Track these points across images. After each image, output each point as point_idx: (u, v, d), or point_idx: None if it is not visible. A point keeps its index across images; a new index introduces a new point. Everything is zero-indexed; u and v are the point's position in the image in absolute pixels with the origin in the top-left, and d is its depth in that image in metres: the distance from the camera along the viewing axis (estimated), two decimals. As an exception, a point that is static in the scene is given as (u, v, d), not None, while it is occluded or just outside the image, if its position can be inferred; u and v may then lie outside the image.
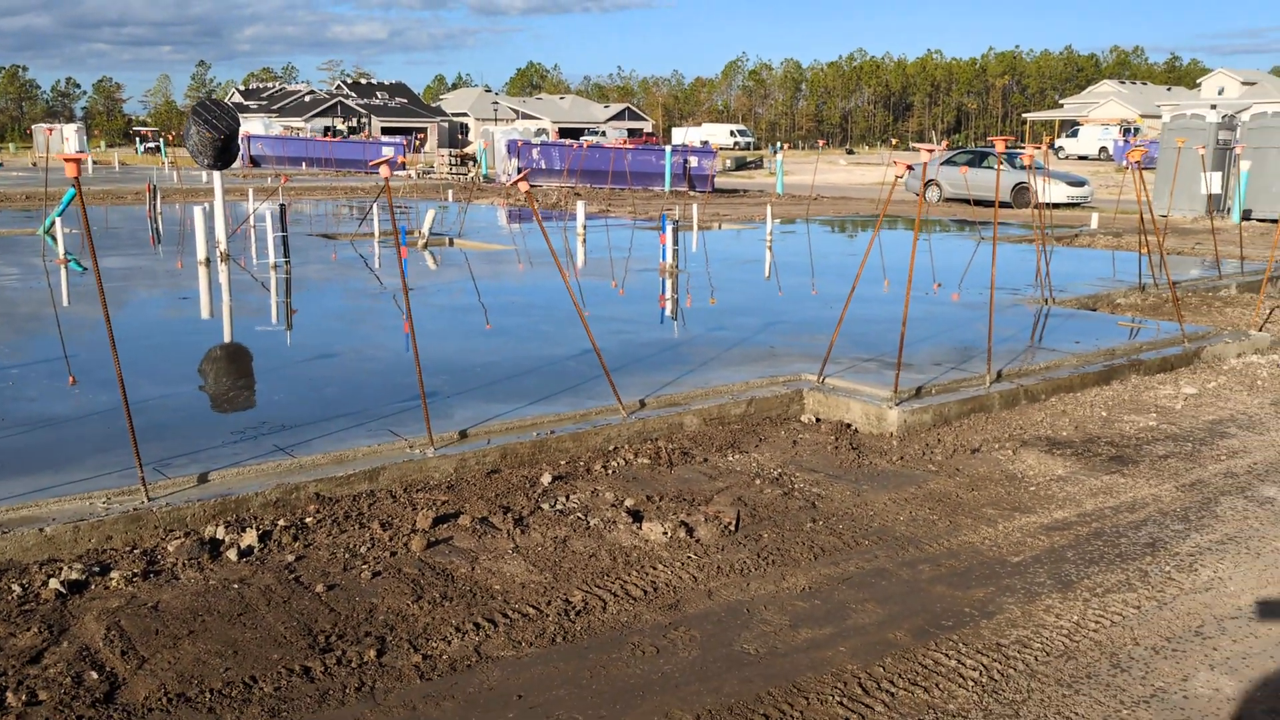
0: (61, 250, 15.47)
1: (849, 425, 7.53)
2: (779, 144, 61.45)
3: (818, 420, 7.68)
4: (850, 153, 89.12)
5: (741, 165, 61.04)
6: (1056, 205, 28.47)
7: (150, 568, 4.75)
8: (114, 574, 4.63)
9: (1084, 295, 12.73)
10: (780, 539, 5.41)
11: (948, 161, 31.35)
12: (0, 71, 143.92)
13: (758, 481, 6.28)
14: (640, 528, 5.44)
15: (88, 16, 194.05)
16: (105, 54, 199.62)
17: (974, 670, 4.11)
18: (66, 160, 5.01)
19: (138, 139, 78.94)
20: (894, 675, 4.06)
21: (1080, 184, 31.00)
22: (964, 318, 11.10)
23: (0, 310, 11.01)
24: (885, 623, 4.50)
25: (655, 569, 5.00)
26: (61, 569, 4.64)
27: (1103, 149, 68.85)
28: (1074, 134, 73.94)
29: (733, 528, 5.53)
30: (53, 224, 17.12)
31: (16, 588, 4.50)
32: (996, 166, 8.75)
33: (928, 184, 31.26)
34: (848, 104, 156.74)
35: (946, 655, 4.22)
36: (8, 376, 7.92)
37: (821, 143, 52.75)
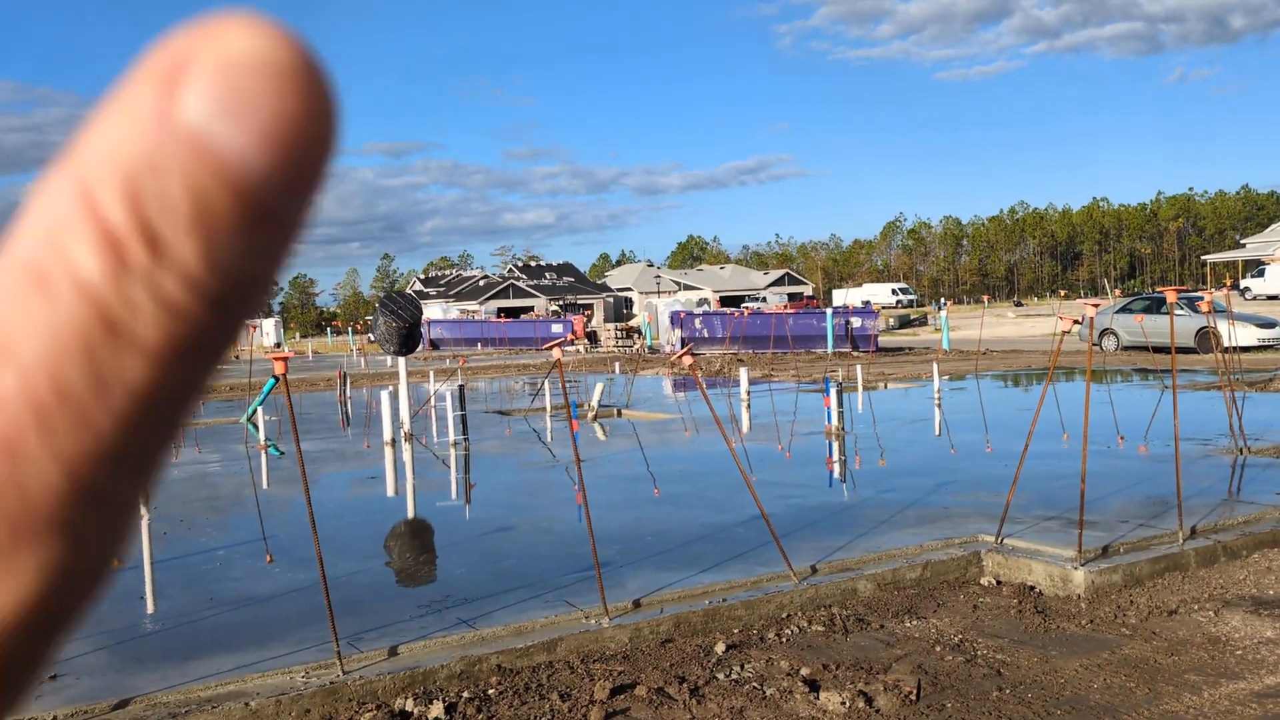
0: (262, 436, 16.64)
1: (1032, 588, 7.25)
2: (942, 300, 60.96)
3: (998, 583, 7.42)
4: (1018, 305, 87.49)
5: (905, 323, 60.67)
6: (1246, 349, 27.08)
7: (344, 739, 4.97)
8: (312, 745, 4.86)
9: (1283, 442, 11.99)
10: (965, 709, 5.22)
11: (1123, 309, 30.43)
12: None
13: (938, 648, 6.10)
14: (818, 697, 5.35)
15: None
16: (301, 253, 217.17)
17: None
18: (275, 359, 5.54)
19: (329, 329, 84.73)
20: None
21: (1271, 325, 29.48)
22: (1150, 471, 10.61)
23: (205, 494, 11.88)
24: (1084, 799, 4.26)
25: (835, 741, 4.89)
26: (265, 740, 4.91)
27: (1292, 286, 65.36)
28: (1260, 274, 70.59)
29: (914, 697, 5.37)
30: (254, 412, 18.48)
31: (224, 759, 4.77)
32: (1170, 313, 8.54)
33: (1104, 333, 30.32)
34: (1012, 256, 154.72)
35: (1154, 835, 3.95)
36: (215, 558, 8.51)
37: (986, 297, 52.26)
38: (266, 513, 10.22)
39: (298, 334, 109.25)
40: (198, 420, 21.12)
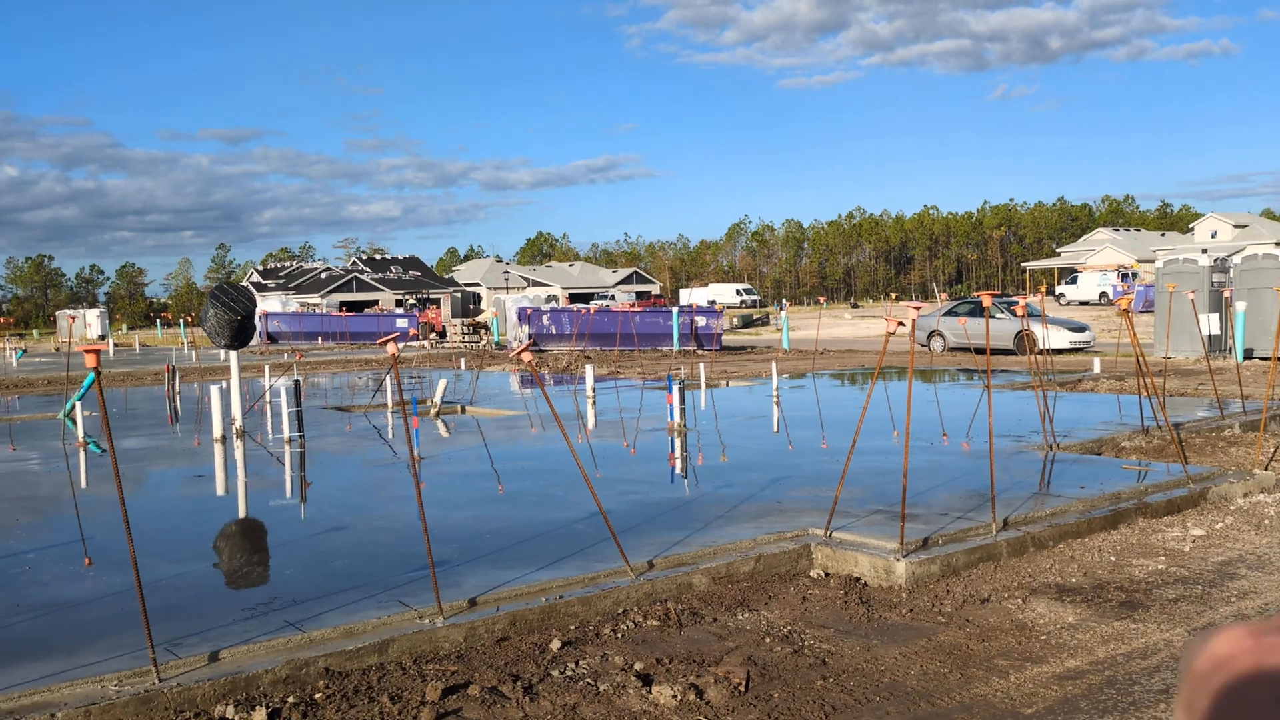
0: (81, 433, 15.77)
1: (858, 579, 7.54)
2: (783, 301, 62.57)
3: (826, 575, 7.69)
4: (855, 306, 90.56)
5: (748, 323, 62.01)
6: (1059, 351, 28.79)
7: (160, 749, 4.76)
8: (124, 757, 4.65)
9: (1088, 440, 12.81)
10: (791, 698, 5.39)
11: (949, 312, 31.90)
12: (26, 261, 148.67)
13: (768, 640, 6.27)
14: (650, 691, 5.43)
15: (112, 207, 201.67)
16: (129, 240, 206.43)
17: (988, 827, 4.05)
18: (86, 351, 5.26)
19: (158, 321, 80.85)
20: (907, 835, 4.00)
21: (1081, 329, 31.41)
22: (969, 466, 11.17)
23: (20, 493, 11.19)
24: (897, 781, 4.45)
25: (665, 733, 4.97)
26: (72, 754, 4.66)
27: (1103, 294, 70.00)
28: (1073, 281, 75.32)
29: (743, 688, 5.51)
30: (73, 408, 17.48)
31: (27, 775, 4.51)
32: (985, 317, 9.01)
33: (932, 334, 31.71)
34: (849, 260, 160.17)
35: (960, 812, 4.17)
36: (24, 561, 8.03)
37: (823, 299, 53.81)
38: (86, 513, 9.69)
39: (125, 326, 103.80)
40: (12, 416, 19.86)
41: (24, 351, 46.17)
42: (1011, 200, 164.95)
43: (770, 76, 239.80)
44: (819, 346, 33.96)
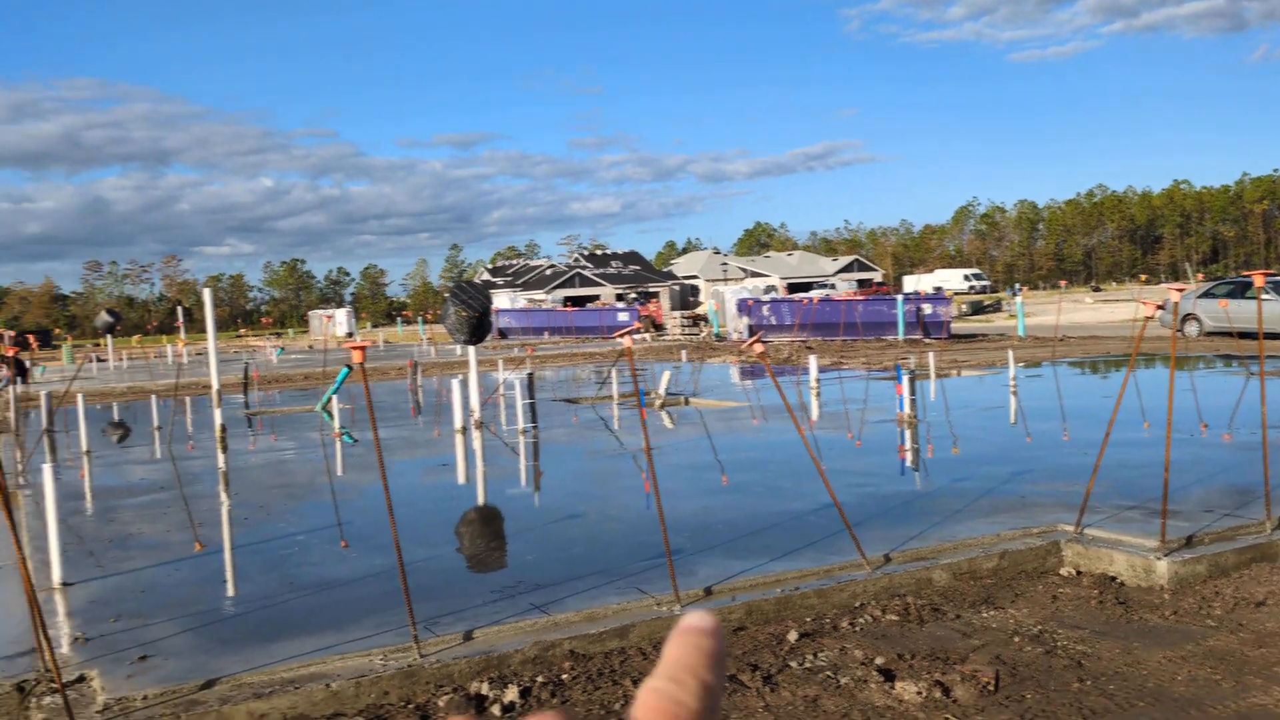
0: (336, 425, 16.94)
1: (1113, 578, 7.09)
2: (1017, 285, 59.85)
3: (1078, 573, 7.28)
4: (1096, 290, 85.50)
5: (978, 309, 59.71)
6: (1339, 333, 26.14)
7: (422, 722, 5.04)
8: (390, 727, 4.95)
9: (1377, 430, 11.56)
10: (1045, 700, 5.13)
11: (1206, 294, 29.57)
12: (281, 265, 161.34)
13: (1016, 639, 6.00)
14: (893, 687, 5.30)
15: (356, 212, 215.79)
16: (371, 244, 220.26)
17: None
18: (353, 347, 5.63)
19: (398, 319, 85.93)
20: None
21: (1362, 308, 28.40)
22: (1236, 460, 10.31)
23: (283, 480, 12.13)
24: (1170, 794, 4.15)
25: (911, 731, 4.84)
26: (345, 722, 5.00)
27: (1386, 269, 63.03)
28: (1351, 255, 68.15)
29: (992, 687, 5.29)
30: (329, 400, 18.81)
31: (306, 739, 4.87)
32: (1257, 297, 8.26)
33: (1186, 318, 29.50)
34: (1090, 241, 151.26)
35: (1244, 833, 3.84)
36: (294, 543, 8.69)
37: (1063, 282, 50.97)
38: (341, 499, 10.42)
39: (369, 324, 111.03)
40: (273, 409, 21.57)
41: (283, 349, 50.13)
42: (1276, 171, 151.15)
43: (1000, 51, 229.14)
44: (1058, 333, 32.25)
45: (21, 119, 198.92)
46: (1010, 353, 19.51)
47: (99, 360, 44.76)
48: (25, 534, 9.40)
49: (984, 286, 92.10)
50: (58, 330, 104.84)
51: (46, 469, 7.81)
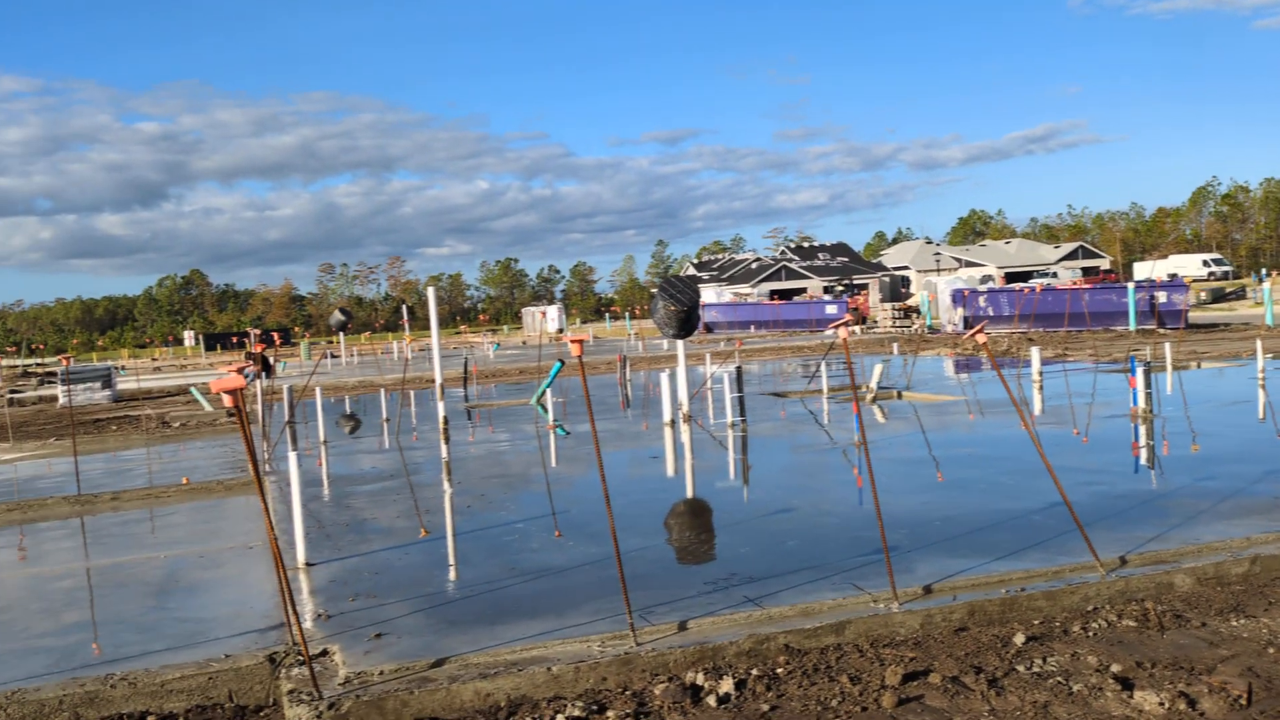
0: (550, 418, 17.45)
1: (1387, 589, 6.41)
2: (1264, 270, 55.27)
3: (1344, 582, 6.62)
4: (1355, 273, 77.87)
5: (1219, 297, 55.51)
6: None
7: (640, 709, 5.10)
8: (610, 713, 5.03)
9: None
10: (1308, 720, 4.68)
11: None
12: (496, 264, 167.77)
13: (1271, 650, 5.51)
14: (1131, 696, 4.97)
15: (566, 211, 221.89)
16: (580, 241, 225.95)
17: None
18: (572, 341, 5.76)
19: (606, 315, 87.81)
20: None
21: None
22: None
23: (500, 471, 12.58)
24: None
25: (1154, 745, 4.52)
26: (565, 705, 5.12)
27: None
28: None
29: (1244, 702, 4.87)
30: (543, 394, 19.40)
31: (529, 720, 5.02)
32: None
33: None
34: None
35: None
36: (514, 530, 9.00)
37: (1317, 265, 46.76)
38: (555, 490, 10.72)
39: (578, 319, 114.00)
40: (490, 402, 22.43)
41: (499, 345, 52.13)
42: None
43: (1244, 18, 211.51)
44: (1310, 321, 29.53)
45: (263, 133, 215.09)
46: (1258, 343, 18.00)
47: (333, 356, 47.91)
48: (272, 517, 10.14)
49: (1225, 273, 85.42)
50: (296, 329, 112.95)
51: (291, 457, 8.39)
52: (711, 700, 5.13)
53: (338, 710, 5.07)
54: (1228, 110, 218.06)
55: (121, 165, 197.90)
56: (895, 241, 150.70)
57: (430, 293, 16.14)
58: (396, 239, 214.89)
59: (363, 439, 17.32)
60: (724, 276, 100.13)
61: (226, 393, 4.90)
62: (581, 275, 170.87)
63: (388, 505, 10.59)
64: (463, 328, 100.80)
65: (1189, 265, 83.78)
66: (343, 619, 6.50)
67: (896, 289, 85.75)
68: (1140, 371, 13.51)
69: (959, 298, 38.25)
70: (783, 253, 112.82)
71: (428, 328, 15.54)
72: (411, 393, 26.41)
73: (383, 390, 22.38)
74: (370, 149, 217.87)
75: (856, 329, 44.94)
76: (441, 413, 14.70)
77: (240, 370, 5.19)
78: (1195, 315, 39.80)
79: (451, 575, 7.59)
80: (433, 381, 15.66)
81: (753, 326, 52.08)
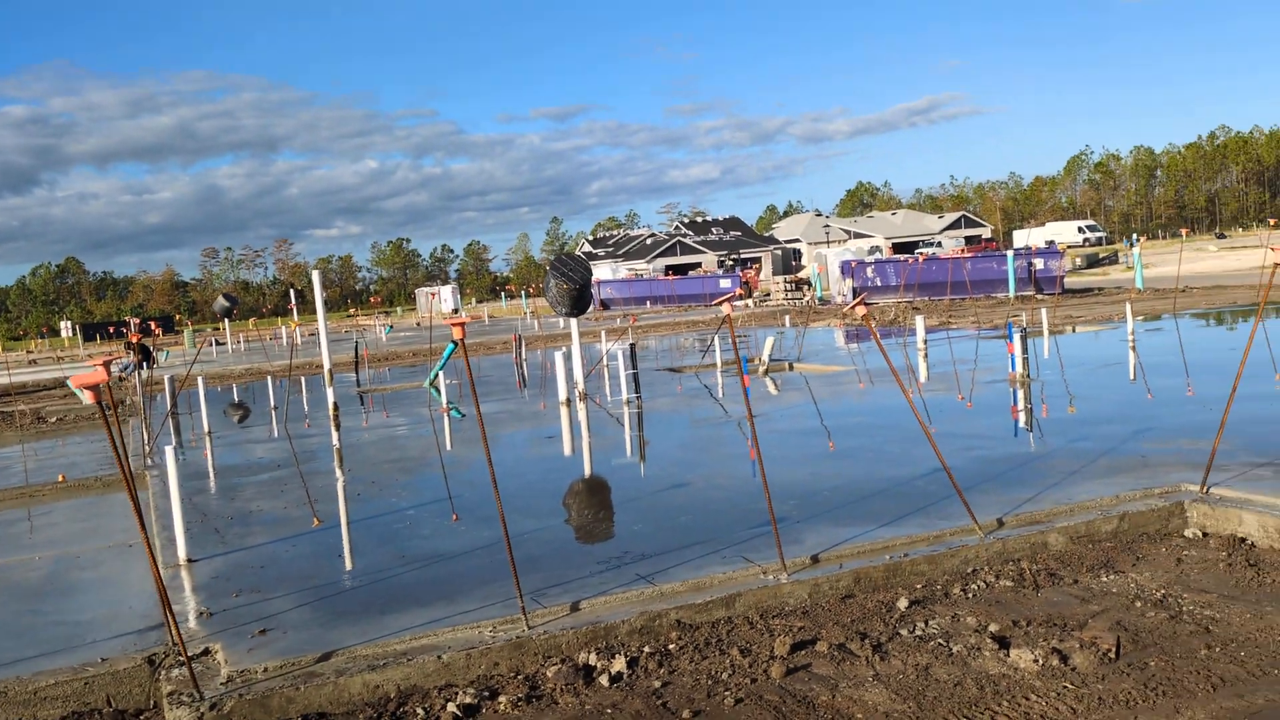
0: (444, 400, 17.25)
1: (1243, 540, 6.77)
2: (1135, 236, 57.60)
3: (1204, 535, 6.97)
4: (1221, 237, 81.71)
5: (1093, 263, 57.69)
6: None
7: (532, 692, 5.09)
8: (501, 698, 5.01)
9: None
10: (1170, 667, 4.92)
11: (1338, 236, 27.96)
12: (388, 245, 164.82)
13: (1138, 604, 5.77)
14: (1008, 655, 5.15)
15: (458, 189, 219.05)
16: (473, 220, 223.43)
17: None
18: (453, 323, 5.68)
19: (502, 294, 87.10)
20: (1326, 829, 3.53)
21: None
22: (1377, 411, 9.73)
23: (394, 455, 12.40)
24: (1309, 767, 3.94)
25: (1028, 699, 4.69)
26: (457, 693, 5.09)
27: None
28: None
29: (1113, 655, 5.10)
30: (436, 376, 19.16)
31: (420, 710, 4.97)
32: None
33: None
34: (1213, 185, 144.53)
35: (1393, 808, 3.62)
36: (405, 517, 8.88)
37: (1185, 231, 48.75)
38: (450, 473, 10.60)
39: (473, 299, 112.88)
40: (383, 386, 22.07)
41: (391, 328, 51.29)
42: None
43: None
44: (1180, 284, 30.93)
45: (139, 114, 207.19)
46: (1128, 306, 18.78)
47: (218, 344, 46.49)
48: (153, 513, 9.81)
49: (1099, 238, 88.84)
50: (179, 316, 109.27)
51: (169, 450, 8.11)
52: (604, 680, 5.15)
53: (220, 710, 4.94)
54: (1099, 81, 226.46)
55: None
56: (786, 215, 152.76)
57: (316, 275, 15.77)
58: (283, 221, 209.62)
59: (251, 428, 16.87)
60: (619, 253, 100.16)
61: (87, 388, 4.70)
62: (476, 254, 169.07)
63: (277, 496, 10.34)
64: (354, 310, 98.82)
65: (1065, 232, 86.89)
66: (226, 616, 6.33)
67: (788, 262, 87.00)
68: (1018, 337, 13.96)
69: (848, 269, 38.99)
70: (676, 228, 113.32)
71: (316, 311, 15.19)
72: (302, 379, 25.81)
73: (271, 377, 21.84)
74: (252, 129, 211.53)
75: (749, 303, 45.44)
76: (331, 398, 14.42)
77: (106, 363, 4.98)
78: (1071, 280, 41.31)
79: (341, 566, 7.45)
80: (322, 367, 15.33)
81: (648, 302, 52.26)
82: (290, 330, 45.41)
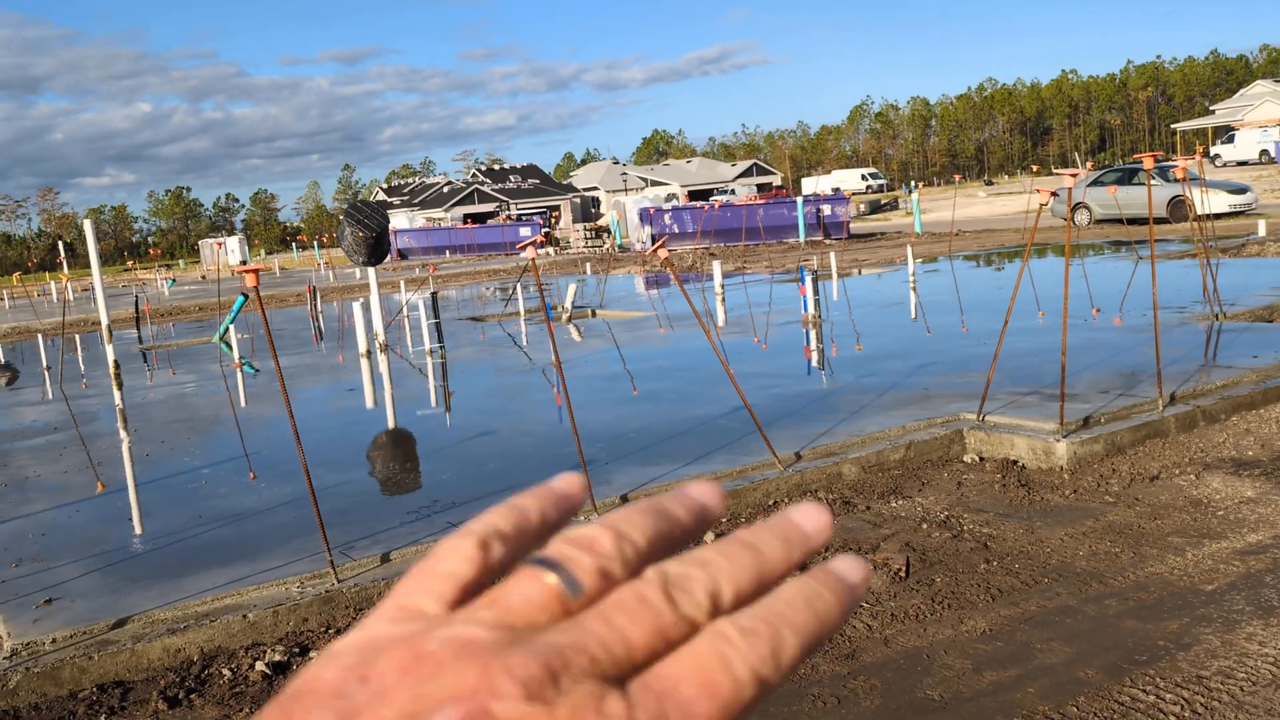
0: (236, 355, 16.50)
1: (1015, 462, 7.34)
2: (913, 183, 60.77)
3: (981, 459, 7.51)
4: (989, 184, 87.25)
5: (876, 208, 60.51)
6: (1219, 216, 27.17)
7: (344, 646, 5.00)
8: (313, 654, 4.90)
9: (1258, 307, 12.11)
10: (954, 582, 5.31)
11: (1095, 182, 30.36)
12: (166, 194, 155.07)
13: (924, 526, 6.19)
14: (809, 579, 5.43)
15: (241, 135, 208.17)
16: (259, 168, 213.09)
17: (1175, 705, 3.93)
18: (245, 272, 5.42)
19: (293, 244, 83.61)
20: (1088, 714, 3.92)
21: (1242, 191, 29.55)
22: (1128, 342, 10.70)
23: (184, 415, 11.80)
24: (1074, 661, 4.36)
25: (829, 620, 4.97)
26: (265, 652, 4.93)
27: (1264, 152, 65.28)
28: (1230, 140, 70.48)
29: (903, 574, 5.45)
30: (226, 331, 18.27)
31: (227, 672, 4.80)
32: (1147, 181, 8.49)
33: (1076, 207, 30.31)
34: (982, 135, 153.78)
35: (1144, 691, 4.06)
36: (200, 476, 8.48)
37: (958, 177, 51.83)
38: (247, 430, 10.17)
39: (263, 251, 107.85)
40: (169, 343, 20.90)
41: (174, 281, 48.47)
42: (1158, 58, 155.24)
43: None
44: (954, 228, 32.89)
45: None
46: (909, 249, 19.84)
47: (-23, 301, 42.68)
48: (-89, 485, 8.99)
49: (881, 185, 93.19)
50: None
51: (-73, 416, 7.44)
52: (419, 628, 5.11)
53: (5, 685, 4.62)
54: (878, 32, 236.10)
55: None
56: (584, 163, 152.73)
57: (88, 225, 14.66)
58: (47, 169, 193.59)
59: (21, 390, 15.65)
60: (415, 201, 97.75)
61: None
62: (263, 203, 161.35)
63: (54, 461, 9.66)
64: (131, 263, 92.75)
65: (850, 180, 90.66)
66: (5, 587, 5.90)
67: (587, 210, 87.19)
68: (809, 280, 14.54)
69: (646, 216, 39.45)
70: (474, 176, 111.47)
71: (90, 265, 14.13)
72: (77, 337, 24.07)
73: (42, 335, 20.24)
74: (7, 68, 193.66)
75: (550, 250, 45.38)
76: (111, 356, 13.51)
77: None
78: (856, 226, 43.22)
79: (131, 530, 7.06)
80: (99, 323, 14.34)
81: (447, 252, 51.35)
82: (61, 285, 42.22)
